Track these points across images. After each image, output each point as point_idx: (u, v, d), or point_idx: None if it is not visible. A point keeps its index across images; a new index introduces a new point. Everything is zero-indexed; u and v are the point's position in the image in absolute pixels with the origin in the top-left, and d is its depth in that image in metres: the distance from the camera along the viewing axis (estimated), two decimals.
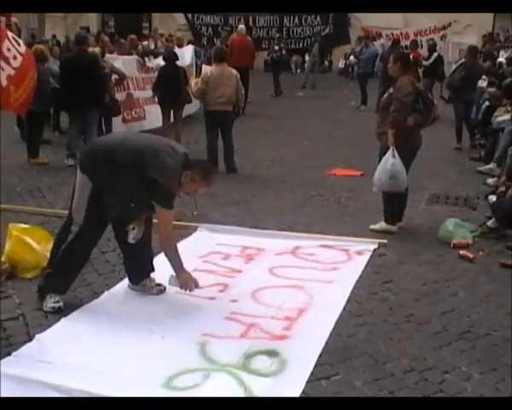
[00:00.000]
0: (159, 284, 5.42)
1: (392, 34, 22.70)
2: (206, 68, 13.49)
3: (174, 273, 5.19)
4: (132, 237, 5.10)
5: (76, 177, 5.08)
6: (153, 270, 5.48)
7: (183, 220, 7.07)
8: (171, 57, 11.76)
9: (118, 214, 4.95)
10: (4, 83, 8.45)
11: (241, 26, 18.86)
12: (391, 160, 6.90)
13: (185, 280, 5.18)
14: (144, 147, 4.92)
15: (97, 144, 5.37)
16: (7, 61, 8.69)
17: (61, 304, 5.06)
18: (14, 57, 8.90)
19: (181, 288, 5.21)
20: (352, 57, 25.74)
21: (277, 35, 24.17)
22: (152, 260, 5.48)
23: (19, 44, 8.78)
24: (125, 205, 4.87)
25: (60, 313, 4.98)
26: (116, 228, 5.30)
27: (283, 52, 22.76)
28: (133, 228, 5.07)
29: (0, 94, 8.17)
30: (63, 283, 5.15)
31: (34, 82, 8.86)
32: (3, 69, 8.44)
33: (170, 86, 11.25)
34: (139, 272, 5.45)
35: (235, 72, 10.20)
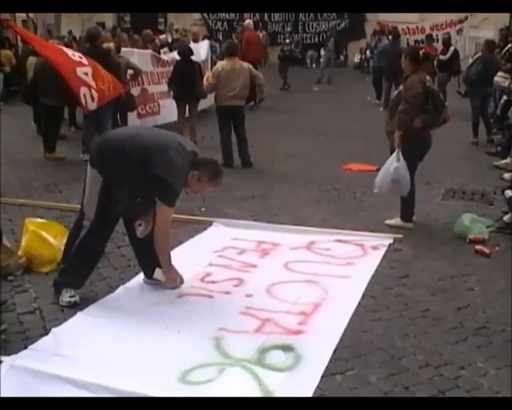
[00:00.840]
0: None
1: (408, 29, 22.49)
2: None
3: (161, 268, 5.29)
4: (140, 233, 5.10)
5: (87, 171, 5.08)
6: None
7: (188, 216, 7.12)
8: (185, 52, 11.78)
9: (125, 209, 4.96)
10: (94, 84, 8.77)
11: (248, 21, 18.86)
12: (395, 163, 6.84)
13: (171, 276, 5.30)
14: (152, 143, 4.89)
15: (107, 138, 5.32)
16: (80, 64, 8.97)
17: (76, 298, 5.08)
18: (80, 57, 9.21)
19: (167, 283, 5.33)
20: (368, 52, 25.62)
21: (289, 29, 24.10)
22: None
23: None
24: (132, 200, 4.89)
25: (76, 307, 5.00)
26: (126, 223, 5.32)
27: (292, 47, 22.68)
28: (140, 224, 5.07)
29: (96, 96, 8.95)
30: (78, 278, 5.16)
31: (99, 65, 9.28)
32: (86, 74, 8.78)
33: (185, 81, 11.28)
34: (153, 267, 5.44)
35: (246, 65, 10.21)
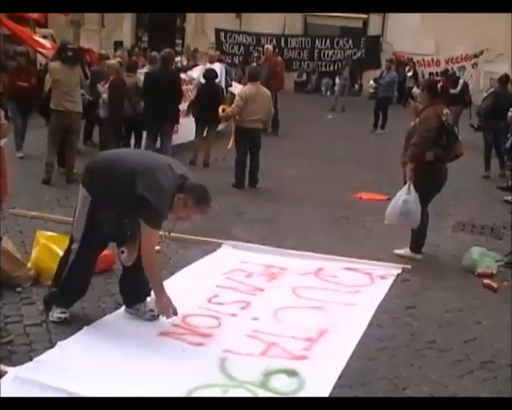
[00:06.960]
0: (152, 310, 5.19)
1: (424, 60, 22.58)
2: (238, 87, 13.76)
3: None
4: (124, 260, 4.99)
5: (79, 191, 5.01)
6: (149, 294, 5.24)
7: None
8: (210, 75, 11.94)
9: (111, 230, 4.86)
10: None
11: (269, 47, 18.99)
12: (404, 196, 6.87)
13: (163, 305, 4.97)
14: (139, 164, 4.76)
15: (97, 159, 5.21)
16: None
17: (67, 315, 5.04)
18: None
19: (159, 313, 5.07)
20: (371, 82, 25.44)
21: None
22: (148, 285, 5.17)
23: None
24: (117, 221, 4.81)
25: (66, 323, 4.99)
26: (118, 246, 5.13)
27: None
28: (122, 252, 4.96)
29: None
30: (68, 302, 5.11)
31: None
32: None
33: (208, 104, 11.43)
34: (134, 296, 5.25)
35: (268, 91, 10.53)
